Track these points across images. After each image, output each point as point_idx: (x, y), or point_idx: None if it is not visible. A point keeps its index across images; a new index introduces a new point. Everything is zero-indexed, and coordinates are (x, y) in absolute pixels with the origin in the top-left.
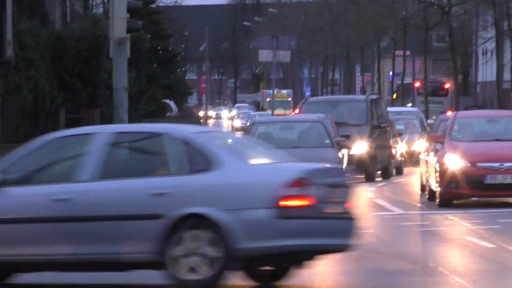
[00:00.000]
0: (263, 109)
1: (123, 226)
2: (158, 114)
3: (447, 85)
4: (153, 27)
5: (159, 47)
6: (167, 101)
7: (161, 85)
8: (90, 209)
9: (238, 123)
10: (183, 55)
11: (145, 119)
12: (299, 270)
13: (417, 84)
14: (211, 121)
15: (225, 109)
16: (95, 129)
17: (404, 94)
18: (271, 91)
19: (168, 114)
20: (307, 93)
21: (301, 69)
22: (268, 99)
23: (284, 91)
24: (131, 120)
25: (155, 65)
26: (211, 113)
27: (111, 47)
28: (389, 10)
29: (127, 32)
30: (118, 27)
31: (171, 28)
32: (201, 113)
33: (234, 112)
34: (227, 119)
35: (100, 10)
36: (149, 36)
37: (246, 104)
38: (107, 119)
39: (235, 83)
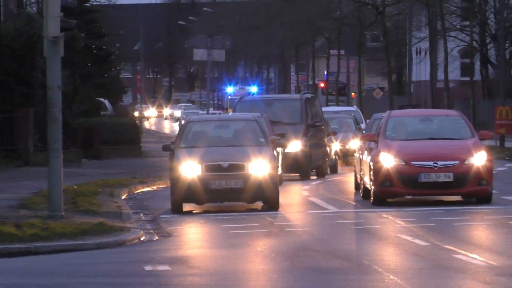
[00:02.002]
0: (224, 110)
1: None
2: (93, 112)
3: (322, 84)
4: (87, 26)
5: (93, 46)
6: (102, 99)
7: (95, 84)
8: None
9: None
10: (118, 54)
11: (79, 118)
12: (235, 269)
13: (322, 85)
14: (151, 121)
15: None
16: None
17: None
18: (236, 87)
19: (102, 112)
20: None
21: (236, 68)
22: (230, 97)
23: (248, 87)
24: (65, 119)
25: (89, 64)
26: (151, 112)
27: (45, 45)
28: (324, 10)
29: (61, 30)
30: (52, 25)
31: (106, 27)
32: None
33: (178, 112)
34: (168, 118)
35: (34, 8)
36: (84, 35)
37: (190, 104)
38: (42, 118)
39: (170, 82)
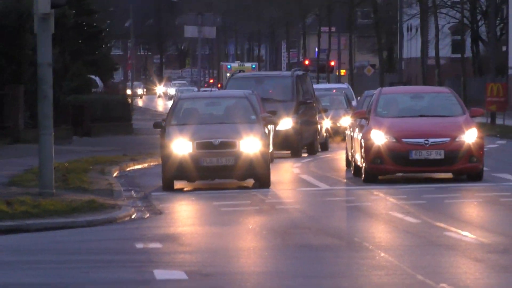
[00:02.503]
0: (220, 87)
1: None
2: (83, 90)
3: (332, 63)
4: (77, 3)
5: (84, 23)
6: (93, 77)
7: (86, 61)
8: None
9: None
10: (108, 31)
11: (70, 95)
12: (226, 246)
13: (306, 62)
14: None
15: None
16: None
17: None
18: (232, 64)
19: (93, 90)
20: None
21: (227, 45)
22: (228, 74)
23: (248, 64)
24: (55, 96)
25: (80, 41)
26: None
27: (35, 22)
28: None
29: (51, 7)
30: (42, 2)
31: (96, 4)
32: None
33: (172, 90)
34: (161, 96)
35: None
36: (74, 12)
37: (185, 81)
38: (32, 95)
39: (161, 59)
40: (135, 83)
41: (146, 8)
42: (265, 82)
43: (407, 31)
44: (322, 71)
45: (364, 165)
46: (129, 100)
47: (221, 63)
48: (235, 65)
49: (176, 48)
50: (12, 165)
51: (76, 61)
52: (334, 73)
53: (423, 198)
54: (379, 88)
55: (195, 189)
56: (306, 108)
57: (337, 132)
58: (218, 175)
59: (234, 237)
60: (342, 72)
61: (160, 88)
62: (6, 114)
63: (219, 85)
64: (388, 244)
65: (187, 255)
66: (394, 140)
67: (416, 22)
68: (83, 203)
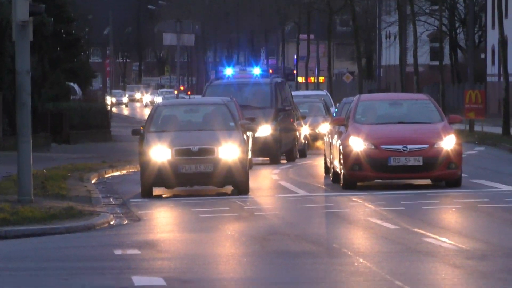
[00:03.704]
0: (189, 94)
1: None
2: (62, 97)
3: (294, 72)
4: (56, 10)
5: (62, 31)
6: (71, 84)
7: (64, 69)
8: None
9: None
10: (87, 39)
11: (49, 102)
12: (205, 253)
13: (270, 71)
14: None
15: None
16: None
17: None
18: (236, 69)
19: (72, 97)
20: (212, 77)
21: (206, 53)
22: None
23: (249, 69)
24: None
25: (58, 49)
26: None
27: (13, 30)
28: None
29: (30, 15)
30: (21, 10)
31: (75, 12)
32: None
33: (159, 98)
34: (148, 105)
35: None
36: (52, 19)
37: (171, 89)
38: (10, 103)
39: (140, 66)
40: (118, 91)
41: (125, 16)
42: (244, 89)
43: (386, 38)
44: (291, 79)
45: (342, 171)
46: (108, 107)
47: (218, 67)
48: (237, 69)
49: (155, 55)
50: None
51: (54, 68)
52: (297, 81)
53: (402, 205)
54: (358, 95)
55: (174, 196)
56: (285, 115)
57: (315, 139)
58: (197, 182)
59: (213, 243)
60: (321, 79)
61: (147, 97)
62: None
63: (188, 93)
64: (366, 250)
65: (166, 262)
66: (373, 147)
67: (394, 29)
68: (62, 210)
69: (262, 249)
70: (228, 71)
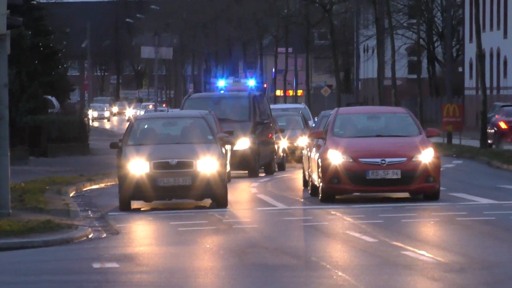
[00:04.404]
0: (165, 106)
1: None
2: (40, 110)
3: (265, 85)
4: (34, 23)
5: (40, 44)
6: (49, 97)
7: (42, 82)
8: None
9: None
10: (65, 52)
11: (26, 116)
12: (183, 266)
13: (265, 85)
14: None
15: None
16: None
17: None
18: (230, 81)
19: (50, 110)
20: (190, 90)
21: (184, 66)
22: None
23: (244, 80)
24: (12, 117)
25: (36, 62)
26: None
27: None
28: (271, 7)
29: (7, 28)
30: None
31: (53, 25)
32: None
33: (142, 112)
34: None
35: None
36: (30, 32)
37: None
38: None
39: (118, 79)
40: (100, 104)
41: (103, 29)
42: (222, 102)
43: (364, 52)
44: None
45: (321, 184)
46: (86, 121)
47: (210, 79)
48: (230, 81)
49: (133, 68)
50: None
51: (32, 81)
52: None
53: (380, 218)
54: (336, 108)
55: (152, 209)
56: (263, 128)
57: (294, 152)
58: (175, 195)
59: (191, 256)
60: (299, 92)
61: (130, 111)
62: None
63: (164, 105)
64: (345, 264)
65: (144, 275)
66: (351, 160)
67: (372, 43)
68: (40, 223)
69: (240, 262)
70: (221, 83)
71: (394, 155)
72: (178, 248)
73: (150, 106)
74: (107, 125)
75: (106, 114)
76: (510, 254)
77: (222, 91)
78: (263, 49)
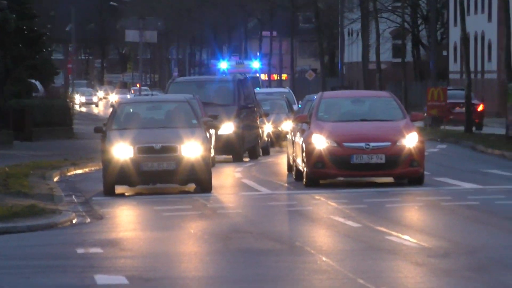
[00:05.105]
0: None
1: None
2: (24, 94)
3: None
4: (18, 7)
5: (24, 27)
6: (33, 81)
7: (27, 66)
8: None
9: None
10: (49, 36)
11: (11, 99)
12: (167, 251)
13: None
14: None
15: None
16: None
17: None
18: (232, 63)
19: (34, 94)
20: (175, 74)
21: (169, 50)
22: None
23: (247, 62)
24: None
25: (20, 46)
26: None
27: None
28: None
29: None
30: None
31: (37, 8)
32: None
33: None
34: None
35: None
36: (15, 16)
37: (146, 88)
38: None
39: (102, 63)
40: (88, 89)
41: (88, 12)
42: (206, 86)
43: (348, 35)
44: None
45: (305, 169)
46: (70, 105)
47: (211, 61)
48: (233, 63)
49: (118, 52)
50: None
51: (17, 65)
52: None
53: (364, 203)
54: (320, 92)
55: (136, 194)
56: (248, 112)
57: (278, 137)
58: (160, 180)
59: (176, 241)
60: (284, 76)
61: (113, 96)
62: None
63: (138, 85)
64: (329, 249)
65: (128, 260)
66: (335, 145)
67: (357, 26)
68: (24, 208)
69: (225, 247)
70: (223, 65)
71: (379, 139)
72: (162, 233)
73: (138, 85)
74: (95, 110)
75: (95, 99)
76: (494, 239)
77: (224, 75)
78: (248, 33)
